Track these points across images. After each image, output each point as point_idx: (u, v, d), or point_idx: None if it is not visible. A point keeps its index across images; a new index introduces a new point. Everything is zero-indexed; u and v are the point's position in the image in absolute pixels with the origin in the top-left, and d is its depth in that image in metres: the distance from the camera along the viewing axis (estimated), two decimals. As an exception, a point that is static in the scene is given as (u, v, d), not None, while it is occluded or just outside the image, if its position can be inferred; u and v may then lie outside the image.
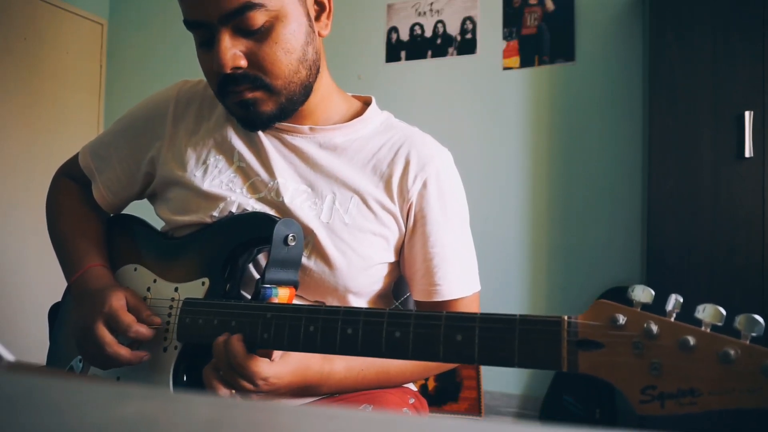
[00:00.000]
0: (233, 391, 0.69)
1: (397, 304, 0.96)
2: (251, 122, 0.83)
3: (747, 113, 2.00)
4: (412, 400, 0.88)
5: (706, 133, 2.06)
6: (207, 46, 0.78)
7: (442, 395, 2.49)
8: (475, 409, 2.46)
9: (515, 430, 0.25)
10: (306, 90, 0.82)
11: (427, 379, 2.52)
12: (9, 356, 0.34)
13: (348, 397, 0.82)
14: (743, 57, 2.02)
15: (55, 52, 3.24)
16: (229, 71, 0.75)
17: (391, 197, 0.84)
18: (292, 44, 0.77)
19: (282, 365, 0.70)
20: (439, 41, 2.87)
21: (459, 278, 0.86)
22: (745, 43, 2.02)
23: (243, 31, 0.75)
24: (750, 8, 2.03)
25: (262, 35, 0.75)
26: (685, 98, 2.09)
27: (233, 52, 0.75)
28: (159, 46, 3.46)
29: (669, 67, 2.12)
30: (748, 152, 1.99)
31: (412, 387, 0.94)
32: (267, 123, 0.82)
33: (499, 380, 2.63)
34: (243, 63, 0.76)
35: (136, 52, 3.53)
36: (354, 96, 0.95)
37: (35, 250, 2.91)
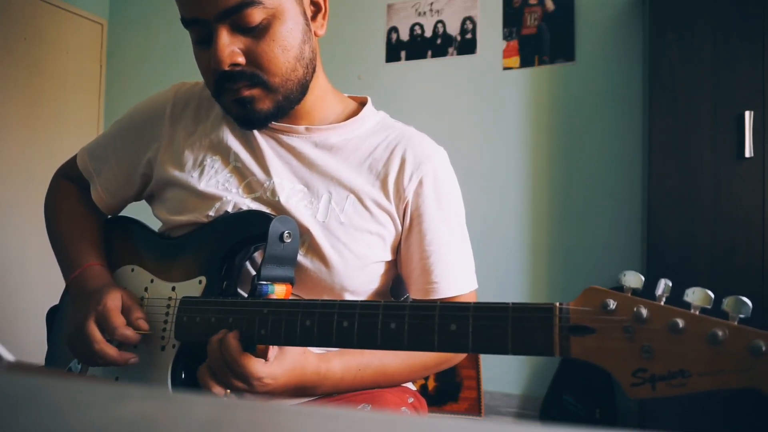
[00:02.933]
0: (228, 391, 0.69)
1: (397, 304, 0.96)
2: (248, 120, 0.83)
3: (747, 113, 2.00)
4: (411, 400, 0.88)
5: (706, 133, 2.06)
6: (204, 44, 0.78)
7: (442, 395, 2.49)
8: (475, 409, 2.46)
9: (515, 430, 0.25)
10: (303, 88, 0.83)
11: (427, 379, 2.52)
12: (9, 356, 0.34)
13: (347, 396, 0.82)
14: (743, 57, 2.02)
15: (55, 52, 3.24)
16: (227, 68, 0.75)
17: (387, 196, 0.84)
18: (289, 42, 0.78)
19: (277, 366, 0.69)
20: (439, 41, 2.87)
21: (456, 276, 0.86)
22: (745, 43, 2.02)
23: (240, 28, 0.75)
24: (750, 8, 2.03)
25: (259, 32, 0.76)
26: (685, 98, 2.09)
27: (231, 49, 0.75)
28: (159, 46, 3.46)
29: (669, 67, 2.12)
30: (748, 152, 1.99)
31: (412, 387, 0.94)
32: (264, 121, 0.83)
33: (499, 380, 2.63)
34: (241, 60, 0.76)
35: (136, 52, 3.53)
36: (350, 96, 0.95)
37: (35, 249, 2.91)
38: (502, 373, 2.63)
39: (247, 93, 0.78)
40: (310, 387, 0.76)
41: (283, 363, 0.70)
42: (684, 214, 2.07)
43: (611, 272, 2.52)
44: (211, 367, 0.69)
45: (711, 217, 2.03)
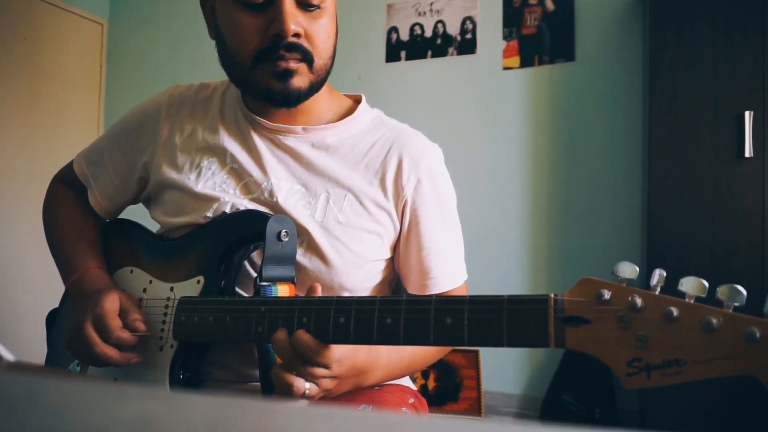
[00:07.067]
0: (308, 385, 0.68)
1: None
2: (282, 96, 0.81)
3: (747, 113, 2.00)
4: (411, 400, 0.89)
5: (706, 133, 2.06)
6: (256, 8, 0.78)
7: (442, 395, 2.49)
8: (475, 409, 2.46)
9: (515, 430, 0.25)
10: (326, 77, 0.85)
11: (427, 379, 2.52)
12: (9, 356, 0.34)
13: (347, 396, 0.82)
14: (743, 57, 2.02)
15: (55, 52, 3.24)
16: (290, 37, 0.77)
17: (385, 194, 0.85)
18: (332, 30, 0.83)
19: (340, 349, 0.68)
20: (439, 41, 2.87)
21: (452, 271, 0.88)
22: (745, 43, 2.02)
23: (303, 4, 0.78)
24: (750, 8, 2.03)
25: (317, 13, 0.79)
26: (685, 98, 2.09)
27: (297, 19, 0.77)
28: (159, 46, 3.46)
29: (669, 67, 2.12)
30: (748, 152, 1.99)
31: (412, 386, 0.94)
32: (297, 98, 0.82)
33: (499, 380, 2.63)
34: (302, 32, 0.78)
35: (136, 52, 3.53)
36: (345, 95, 0.96)
37: (35, 249, 2.90)
38: (502, 373, 2.62)
39: (294, 66, 0.79)
40: (365, 371, 0.76)
41: (338, 348, 0.69)
42: (684, 213, 2.07)
43: (611, 272, 2.52)
44: (288, 365, 0.67)
45: (711, 217, 2.03)
